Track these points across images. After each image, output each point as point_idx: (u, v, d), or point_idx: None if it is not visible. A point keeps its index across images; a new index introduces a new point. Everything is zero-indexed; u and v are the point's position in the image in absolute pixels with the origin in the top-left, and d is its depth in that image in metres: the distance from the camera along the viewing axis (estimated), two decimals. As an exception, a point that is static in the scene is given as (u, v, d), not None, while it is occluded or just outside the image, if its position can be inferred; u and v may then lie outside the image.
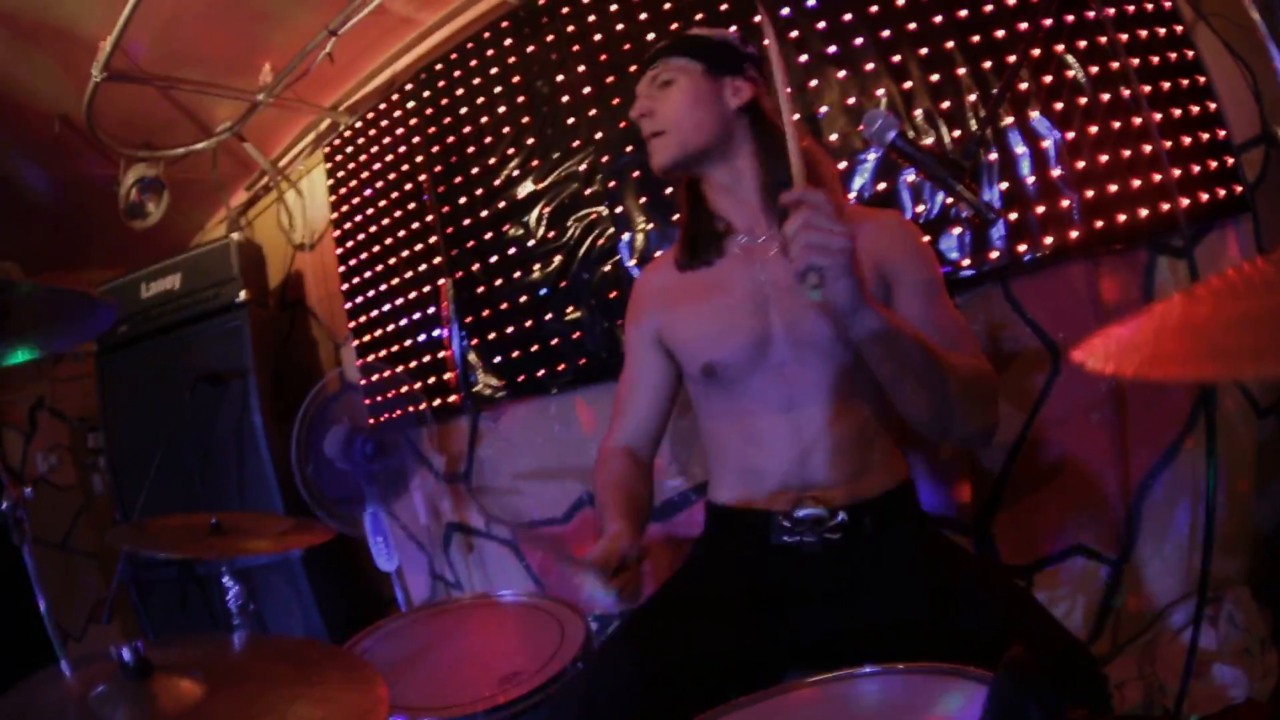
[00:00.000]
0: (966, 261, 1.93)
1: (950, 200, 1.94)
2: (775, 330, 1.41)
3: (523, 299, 2.54)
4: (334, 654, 1.18)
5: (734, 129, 1.48)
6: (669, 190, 2.22)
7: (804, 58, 2.08)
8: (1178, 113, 1.89)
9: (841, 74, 2.05)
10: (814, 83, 2.07)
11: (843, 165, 2.02)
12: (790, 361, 1.40)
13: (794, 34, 2.09)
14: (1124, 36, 1.91)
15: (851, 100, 2.04)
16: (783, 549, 1.37)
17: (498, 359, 2.61)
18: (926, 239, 1.55)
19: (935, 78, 1.97)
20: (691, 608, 1.38)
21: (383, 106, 2.93)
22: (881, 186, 2.00)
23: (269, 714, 0.95)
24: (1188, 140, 1.88)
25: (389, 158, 2.92)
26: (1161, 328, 0.74)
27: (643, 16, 2.30)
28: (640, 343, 1.58)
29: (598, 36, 2.39)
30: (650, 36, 2.28)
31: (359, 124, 3.01)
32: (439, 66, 2.75)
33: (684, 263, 1.53)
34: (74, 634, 3.73)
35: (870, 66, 2.02)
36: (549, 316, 2.49)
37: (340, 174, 3.10)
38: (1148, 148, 1.88)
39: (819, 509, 1.36)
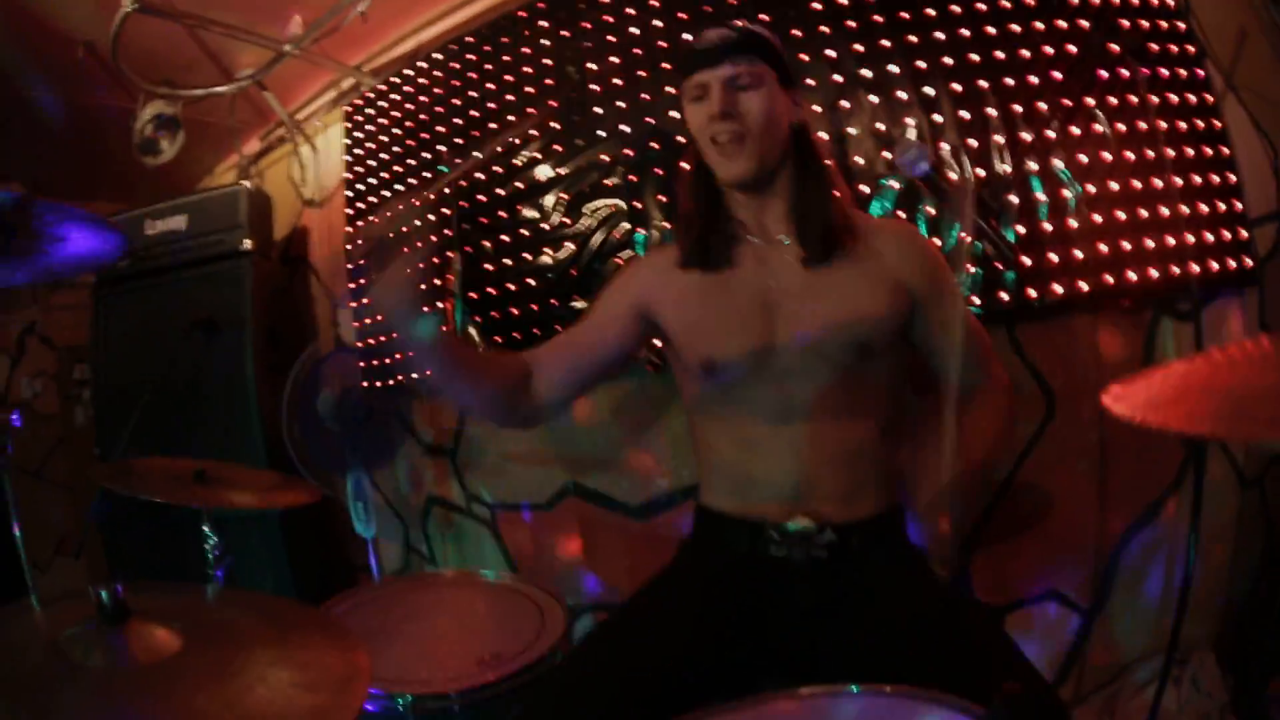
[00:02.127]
0: (976, 300, 1.94)
1: (969, 238, 1.95)
2: (780, 338, 1.41)
3: (530, 282, 2.53)
4: (314, 617, 1.17)
5: (788, 145, 1.46)
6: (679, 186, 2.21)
7: (838, 77, 2.08)
8: (1198, 180, 1.90)
9: (873, 98, 2.05)
10: (845, 103, 2.07)
11: (865, 189, 2.03)
12: (794, 371, 1.40)
13: (830, 52, 2.09)
14: (1154, 99, 1.92)
15: (881, 126, 2.04)
16: (769, 561, 1.38)
17: (498, 338, 2.60)
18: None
19: (965, 115, 1.97)
20: (674, 611, 1.39)
21: (408, 72, 2.90)
22: (901, 215, 2.01)
23: (246, 674, 0.93)
24: (1204, 208, 1.89)
25: (409, 124, 2.89)
26: (1188, 386, 0.76)
27: (681, 15, 2.29)
28: (618, 303, 1.55)
29: (634, 30, 2.37)
30: (687, 35, 2.27)
31: (382, 86, 2.98)
32: (470, 39, 2.72)
33: (691, 261, 1.49)
34: (40, 564, 3.72)
35: (903, 95, 2.02)
36: (554, 302, 2.48)
37: (358, 134, 3.08)
38: (1165, 210, 1.89)
39: (809, 525, 1.38)
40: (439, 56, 2.81)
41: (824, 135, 2.03)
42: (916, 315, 1.44)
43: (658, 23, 2.34)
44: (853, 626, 1.32)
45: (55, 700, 0.84)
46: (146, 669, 0.92)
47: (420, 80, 2.87)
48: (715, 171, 1.44)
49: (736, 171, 1.41)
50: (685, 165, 1.53)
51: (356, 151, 3.08)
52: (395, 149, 2.94)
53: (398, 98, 2.95)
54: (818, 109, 2.07)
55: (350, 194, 3.09)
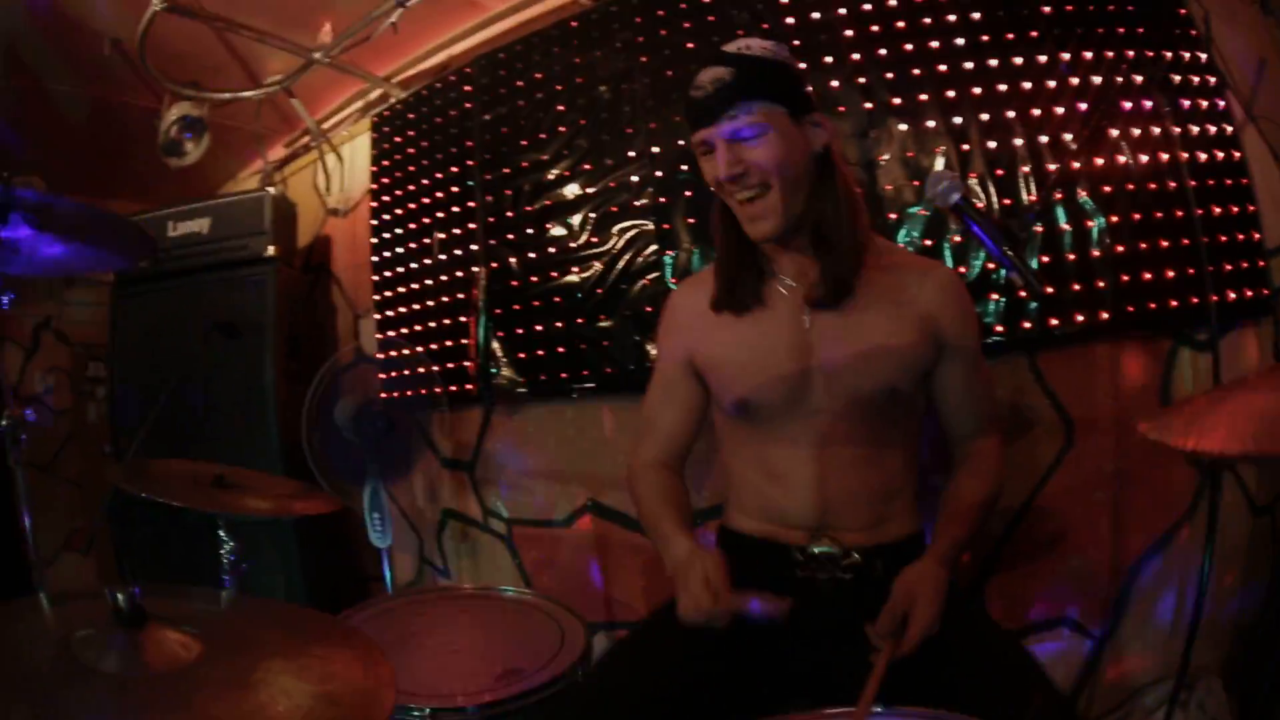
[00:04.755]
0: (1000, 328, 1.96)
1: (993, 266, 1.98)
2: (815, 377, 1.41)
3: (556, 299, 2.55)
4: (336, 627, 1.13)
5: (813, 176, 1.39)
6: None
7: (869, 105, 2.10)
8: (1218, 210, 1.92)
9: (903, 126, 2.07)
10: (874, 132, 2.10)
11: (893, 216, 2.05)
12: (827, 409, 1.41)
13: (861, 79, 2.11)
14: (1176, 129, 1.95)
15: (910, 154, 2.06)
16: (794, 582, 1.39)
17: (521, 355, 2.62)
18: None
19: (993, 144, 1.99)
20: (695, 631, 1.37)
21: (438, 85, 2.93)
22: (928, 243, 2.03)
23: (267, 685, 0.89)
24: (1223, 238, 1.91)
25: (438, 137, 2.91)
26: (1235, 411, 0.79)
27: (715, 38, 2.31)
28: (672, 361, 1.57)
29: (667, 51, 2.39)
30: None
31: (410, 99, 3.01)
32: (502, 55, 2.75)
33: (721, 305, 1.47)
34: (47, 558, 3.71)
35: (932, 124, 2.04)
36: (580, 321, 2.49)
37: (385, 145, 3.09)
38: (1185, 240, 1.92)
39: (835, 548, 1.39)
40: (469, 71, 2.84)
41: (850, 160, 2.05)
42: (943, 358, 1.45)
43: (690, 44, 2.36)
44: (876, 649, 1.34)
45: (66, 703, 0.81)
46: (162, 676, 0.88)
47: (450, 94, 2.89)
48: (742, 226, 1.41)
49: (763, 231, 1.38)
50: (715, 202, 1.50)
51: (384, 162, 3.10)
52: (423, 161, 2.96)
53: (426, 110, 2.97)
54: (848, 133, 2.10)
55: (375, 205, 3.10)
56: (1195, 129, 1.95)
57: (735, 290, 1.46)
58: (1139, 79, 1.96)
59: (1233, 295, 1.89)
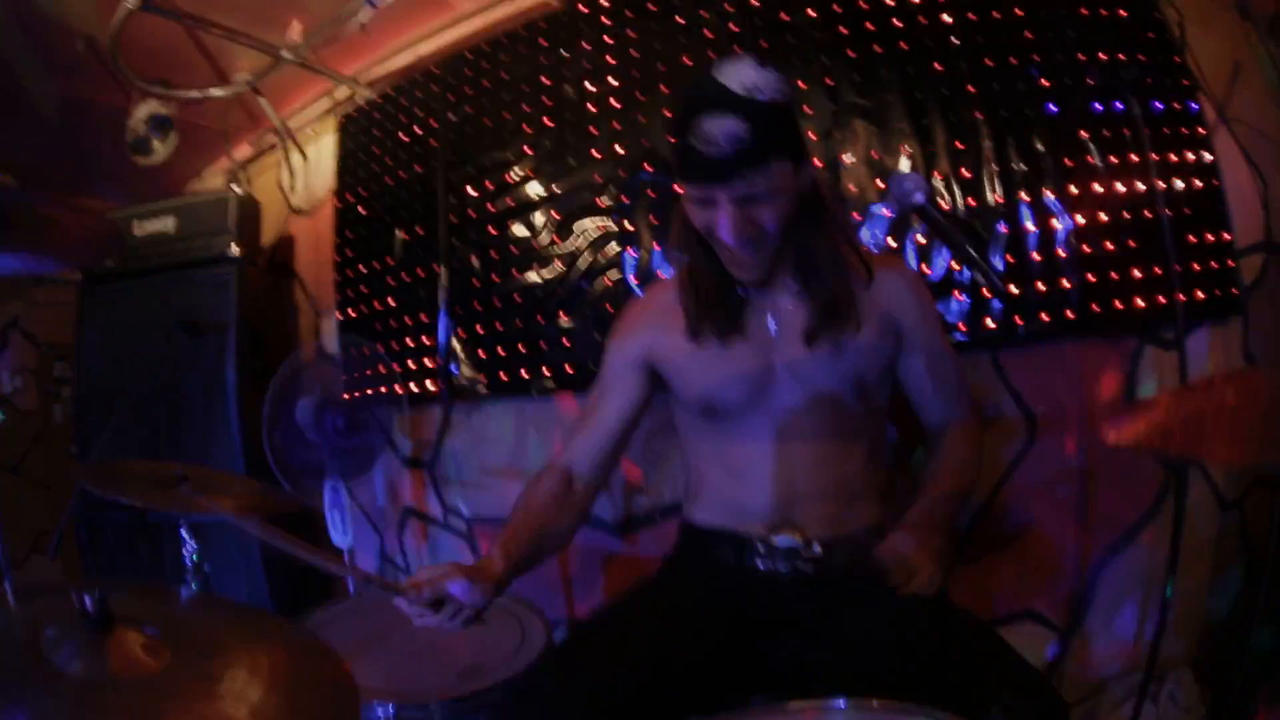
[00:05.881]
0: (963, 326, 1.96)
1: (957, 265, 1.96)
2: (779, 373, 1.42)
3: (517, 298, 2.53)
4: (300, 632, 1.14)
5: (797, 213, 1.35)
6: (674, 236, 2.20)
7: (834, 106, 2.09)
8: (1188, 210, 1.92)
9: (869, 127, 2.06)
10: (839, 132, 2.09)
11: (856, 216, 2.03)
12: (789, 404, 1.42)
13: (828, 80, 2.10)
14: (1147, 131, 1.94)
15: (875, 154, 2.05)
16: (755, 574, 1.36)
17: (482, 353, 2.59)
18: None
19: (960, 145, 1.99)
20: (656, 621, 1.38)
21: (404, 85, 2.91)
22: (891, 243, 2.02)
23: (231, 690, 0.89)
24: (1193, 239, 1.91)
25: (402, 137, 2.89)
26: (1204, 412, 0.77)
27: (682, 39, 2.31)
28: (623, 360, 1.55)
29: (634, 52, 2.38)
30: (686, 60, 2.29)
31: (377, 99, 2.98)
32: (469, 55, 2.73)
33: (697, 332, 1.44)
34: (15, 561, 3.65)
35: (898, 124, 2.03)
36: (541, 320, 2.47)
37: (350, 145, 3.07)
38: (1153, 240, 1.90)
39: (796, 540, 1.37)
40: (437, 71, 2.82)
41: (818, 163, 2.04)
42: (904, 352, 1.47)
43: (657, 45, 2.35)
44: (840, 639, 1.32)
45: (32, 704, 0.80)
46: (128, 682, 0.87)
47: (416, 94, 2.87)
48: (723, 263, 1.37)
49: (750, 277, 1.37)
50: (676, 216, 1.44)
51: (348, 162, 3.07)
52: (387, 160, 2.93)
53: (392, 110, 2.95)
54: (813, 136, 2.08)
55: (339, 204, 3.08)
56: (1166, 130, 1.94)
57: (714, 319, 1.43)
58: (1110, 83, 1.95)
59: (1201, 295, 1.89)
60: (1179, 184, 1.92)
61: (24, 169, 3.19)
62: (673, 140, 1.37)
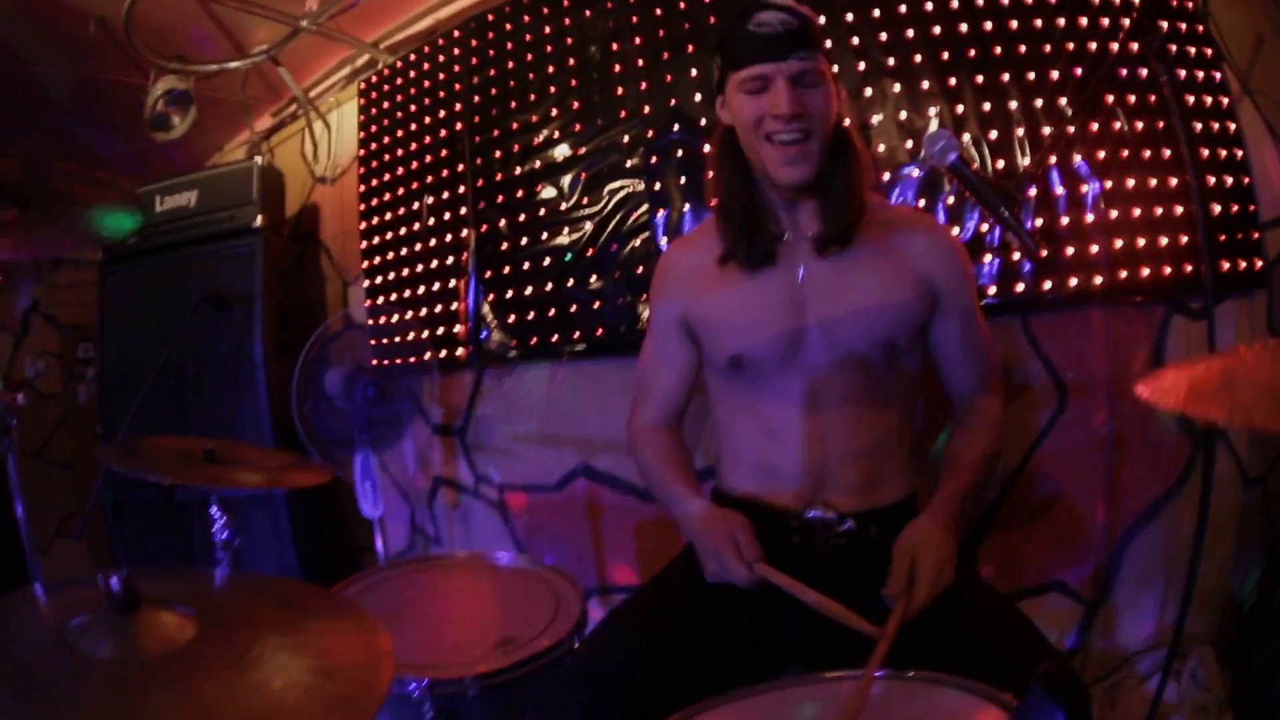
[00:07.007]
0: (993, 289, 1.96)
1: (987, 227, 1.97)
2: (810, 330, 1.40)
3: (546, 261, 2.53)
4: (332, 601, 1.11)
5: (833, 142, 1.38)
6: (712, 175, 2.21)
7: (862, 65, 2.09)
8: (1212, 180, 1.91)
9: (897, 88, 2.06)
10: (869, 91, 2.09)
11: (886, 177, 2.04)
12: (821, 363, 1.40)
13: (855, 40, 2.10)
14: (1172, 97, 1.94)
15: (903, 115, 2.06)
16: (788, 548, 1.38)
17: (512, 318, 2.60)
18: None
19: (987, 106, 1.99)
20: (690, 597, 1.38)
21: (426, 49, 2.89)
22: (921, 204, 2.02)
23: (263, 663, 0.87)
24: (1217, 208, 1.90)
25: (426, 101, 2.88)
26: (1232, 379, 0.78)
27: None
28: (665, 323, 1.55)
29: (659, 11, 2.37)
30: (712, 20, 2.27)
31: (398, 64, 2.97)
32: (491, 17, 2.71)
33: (732, 259, 1.44)
34: (40, 546, 3.68)
35: (926, 85, 2.03)
36: (570, 283, 2.48)
37: (373, 111, 3.07)
38: (1180, 209, 1.91)
39: (829, 513, 1.39)
40: (458, 34, 2.80)
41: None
42: (938, 312, 1.44)
43: (682, 4, 2.34)
44: (874, 611, 1.33)
45: (62, 693, 0.79)
46: (158, 659, 0.86)
47: (438, 58, 2.86)
48: (769, 171, 1.36)
49: (799, 175, 1.34)
50: (713, 151, 1.48)
51: (371, 128, 3.07)
52: (411, 126, 2.93)
53: (414, 74, 2.93)
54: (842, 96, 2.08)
55: (363, 170, 3.08)
56: (1191, 98, 1.94)
57: (752, 244, 1.42)
58: (1135, 46, 1.93)
59: (1226, 266, 1.88)
60: (1204, 153, 1.92)
61: (41, 152, 3.18)
62: (723, 39, 1.39)
